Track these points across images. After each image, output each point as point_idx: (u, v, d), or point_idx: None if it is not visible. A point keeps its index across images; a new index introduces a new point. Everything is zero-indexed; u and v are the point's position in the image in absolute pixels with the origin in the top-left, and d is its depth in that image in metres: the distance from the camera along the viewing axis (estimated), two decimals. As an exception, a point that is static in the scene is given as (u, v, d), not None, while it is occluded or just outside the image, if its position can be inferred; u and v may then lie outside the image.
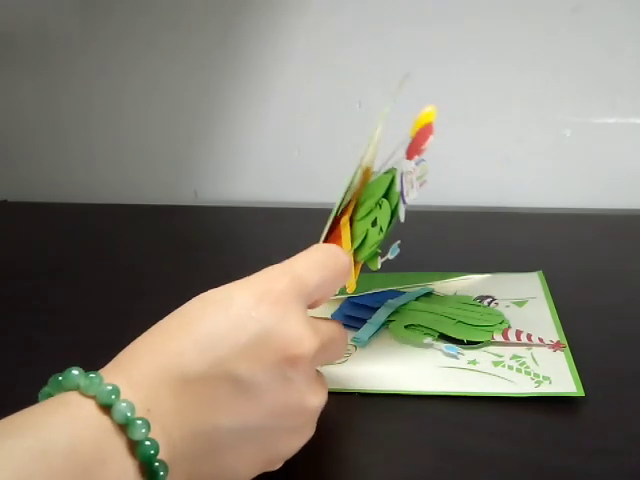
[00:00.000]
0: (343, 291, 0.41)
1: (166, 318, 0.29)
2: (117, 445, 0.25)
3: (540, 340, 0.42)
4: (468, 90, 0.69)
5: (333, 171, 0.75)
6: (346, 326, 0.46)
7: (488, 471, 0.33)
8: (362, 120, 0.73)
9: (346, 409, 0.38)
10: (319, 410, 0.31)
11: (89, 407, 0.26)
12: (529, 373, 0.39)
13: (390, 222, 0.42)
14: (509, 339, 0.43)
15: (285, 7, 0.71)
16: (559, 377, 0.39)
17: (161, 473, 0.26)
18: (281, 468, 0.34)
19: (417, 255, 0.50)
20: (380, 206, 0.42)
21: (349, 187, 0.40)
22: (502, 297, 0.48)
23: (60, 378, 0.27)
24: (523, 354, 0.41)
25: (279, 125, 0.74)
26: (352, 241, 0.42)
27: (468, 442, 0.35)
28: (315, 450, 0.35)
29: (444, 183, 0.73)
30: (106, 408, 0.26)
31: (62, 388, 0.27)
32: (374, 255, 0.43)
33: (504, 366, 0.40)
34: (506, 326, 0.44)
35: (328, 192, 0.79)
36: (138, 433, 0.25)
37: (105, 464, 0.25)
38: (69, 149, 0.81)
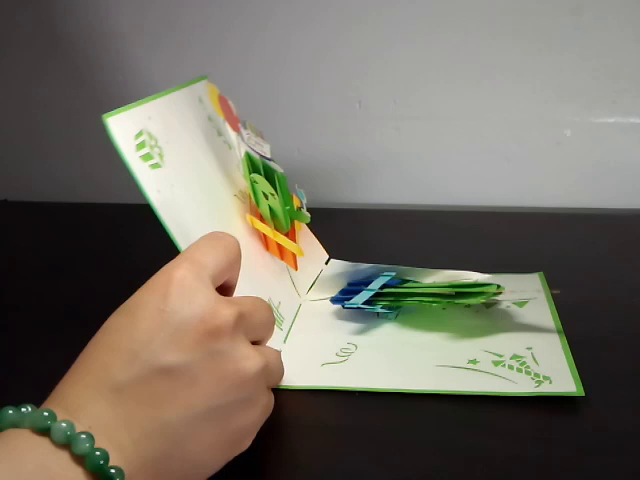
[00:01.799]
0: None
1: (89, 343, 0.30)
2: (63, 462, 0.25)
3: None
4: (468, 90, 0.70)
5: (333, 171, 0.76)
6: (343, 300, 0.47)
7: (488, 471, 0.33)
8: (362, 120, 0.73)
9: (346, 408, 0.38)
10: (260, 374, 0.31)
11: (27, 436, 0.26)
12: (529, 373, 0.39)
13: (274, 183, 0.46)
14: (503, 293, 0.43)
15: (285, 7, 0.71)
16: (559, 377, 0.39)
17: (117, 479, 0.26)
18: (280, 468, 0.34)
19: (417, 255, 0.50)
20: (255, 181, 0.46)
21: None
22: (502, 297, 0.48)
23: None
24: (523, 354, 0.41)
25: (279, 125, 0.74)
26: (268, 223, 0.46)
27: (468, 441, 0.35)
28: (314, 449, 0.35)
29: (444, 183, 0.73)
30: (45, 433, 0.26)
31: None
32: (291, 213, 0.47)
33: (504, 366, 0.40)
34: (502, 290, 0.44)
35: (328, 192, 0.80)
36: (82, 447, 0.25)
37: None
38: (69, 149, 0.81)
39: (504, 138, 0.70)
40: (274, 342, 0.43)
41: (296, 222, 0.50)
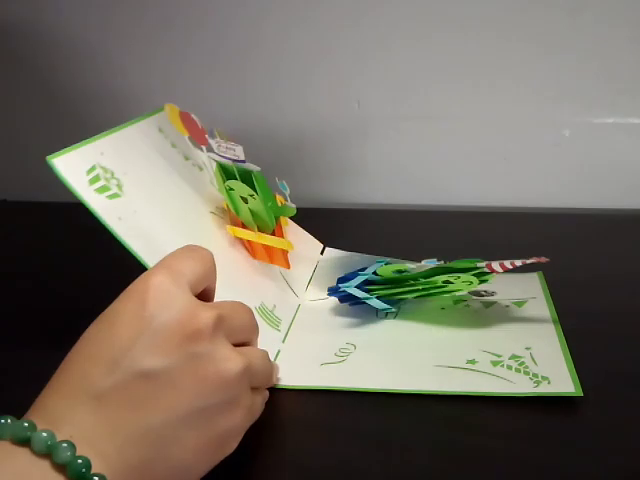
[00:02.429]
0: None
1: (69, 353, 0.30)
2: (44, 472, 0.25)
3: (523, 262, 0.42)
4: (468, 90, 0.70)
5: (332, 171, 0.76)
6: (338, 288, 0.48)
7: (487, 471, 0.33)
8: (361, 120, 0.73)
9: (345, 408, 0.38)
10: (242, 375, 0.31)
11: (7, 447, 0.26)
12: (528, 373, 0.39)
13: (254, 184, 0.45)
14: (493, 269, 0.43)
15: (283, 5, 0.71)
16: (558, 377, 0.39)
17: None
18: (278, 468, 0.34)
19: (416, 255, 0.50)
20: (231, 188, 0.46)
21: None
22: (501, 297, 0.48)
23: None
24: (522, 354, 0.41)
25: (278, 124, 0.75)
26: (251, 228, 0.46)
27: (467, 442, 0.35)
28: (312, 449, 0.35)
29: (443, 183, 0.73)
30: (25, 443, 0.26)
31: None
32: (274, 209, 0.47)
33: (503, 366, 0.40)
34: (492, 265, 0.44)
35: (327, 192, 0.80)
36: (63, 456, 0.25)
37: None
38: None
39: (503, 138, 0.70)
40: (273, 343, 0.43)
41: (282, 219, 0.50)
